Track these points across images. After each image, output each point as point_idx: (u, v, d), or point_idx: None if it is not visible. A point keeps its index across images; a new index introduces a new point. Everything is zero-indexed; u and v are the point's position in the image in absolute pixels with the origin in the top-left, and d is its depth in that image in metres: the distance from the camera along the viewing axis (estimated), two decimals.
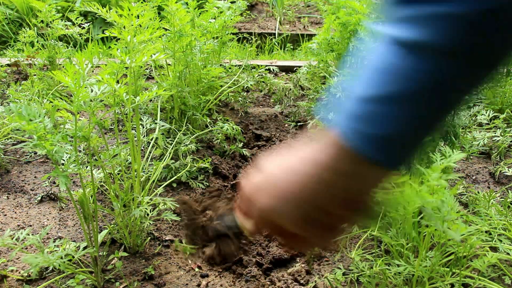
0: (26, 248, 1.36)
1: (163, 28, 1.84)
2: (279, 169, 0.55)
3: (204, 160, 1.76)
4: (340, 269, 1.28)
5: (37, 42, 2.60)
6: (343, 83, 0.54)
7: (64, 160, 1.07)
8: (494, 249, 1.29)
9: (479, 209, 1.36)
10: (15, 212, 1.60)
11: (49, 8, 2.38)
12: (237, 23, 3.61)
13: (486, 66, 0.46)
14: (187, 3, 2.16)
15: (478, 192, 1.51)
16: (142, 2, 1.80)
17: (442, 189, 0.73)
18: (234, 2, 2.38)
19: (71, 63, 1.02)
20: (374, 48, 0.49)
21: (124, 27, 1.26)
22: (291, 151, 0.56)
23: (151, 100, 2.16)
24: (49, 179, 1.80)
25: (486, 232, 1.17)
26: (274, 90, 2.75)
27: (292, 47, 3.79)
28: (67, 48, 2.67)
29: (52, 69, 2.64)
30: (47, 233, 1.49)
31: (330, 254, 1.36)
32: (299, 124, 2.33)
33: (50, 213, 1.60)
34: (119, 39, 1.34)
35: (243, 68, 2.47)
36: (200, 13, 2.20)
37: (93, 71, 1.09)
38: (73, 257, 1.15)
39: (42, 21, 2.44)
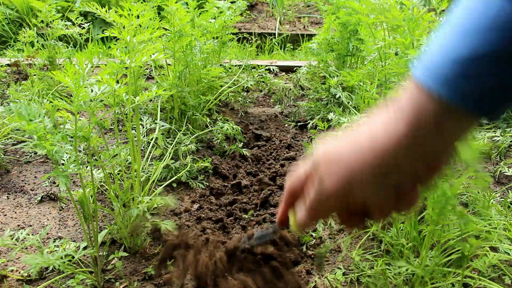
0: (26, 248, 1.36)
1: (163, 28, 1.84)
2: (342, 145, 0.52)
3: (204, 160, 1.76)
4: (340, 269, 1.28)
5: (37, 42, 2.60)
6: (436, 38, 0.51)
7: (64, 160, 1.07)
8: (494, 249, 1.29)
9: (479, 209, 1.36)
10: (15, 212, 1.60)
11: (49, 8, 2.38)
12: (237, 23, 3.61)
13: None
14: (187, 3, 2.16)
15: (478, 192, 1.51)
16: (142, 2, 1.80)
17: None
18: (234, 2, 2.38)
19: (71, 63, 1.02)
20: (467, 2, 0.45)
21: (124, 27, 1.26)
22: (349, 130, 0.52)
23: (151, 100, 2.16)
24: (49, 179, 1.80)
25: (486, 232, 1.17)
26: (274, 90, 2.75)
27: (292, 47, 3.79)
28: (67, 48, 2.67)
29: (52, 69, 2.64)
30: (47, 233, 1.49)
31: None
32: (299, 124, 2.33)
33: (50, 213, 1.60)
34: (119, 39, 1.34)
35: (243, 68, 2.46)
36: (200, 13, 2.20)
37: (93, 71, 1.09)
38: (73, 257, 1.15)
39: (42, 21, 2.44)
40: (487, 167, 1.92)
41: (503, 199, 1.48)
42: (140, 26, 1.57)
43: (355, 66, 2.37)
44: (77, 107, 1.04)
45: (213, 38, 2.25)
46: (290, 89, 2.61)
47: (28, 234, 1.13)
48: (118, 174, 1.49)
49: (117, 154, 1.16)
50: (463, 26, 0.44)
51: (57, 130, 1.03)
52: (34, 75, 2.43)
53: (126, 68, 1.21)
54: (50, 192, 1.69)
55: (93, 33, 3.66)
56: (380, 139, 0.48)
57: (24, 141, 1.87)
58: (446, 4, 1.54)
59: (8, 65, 2.84)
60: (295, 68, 2.82)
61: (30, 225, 1.53)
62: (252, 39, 3.58)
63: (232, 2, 2.41)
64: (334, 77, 2.21)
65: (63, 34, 2.49)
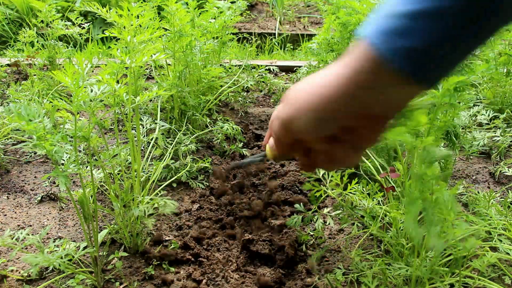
0: (26, 248, 1.36)
1: (163, 28, 1.84)
2: (305, 84, 0.57)
3: (204, 160, 1.76)
4: (340, 269, 1.28)
5: (37, 42, 2.61)
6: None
7: (64, 160, 1.07)
8: (494, 249, 1.29)
9: (479, 209, 1.36)
10: (15, 212, 1.60)
11: (49, 8, 2.38)
12: (237, 23, 3.61)
13: None
14: (187, 3, 2.16)
15: (478, 192, 1.51)
16: (142, 2, 1.80)
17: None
18: (234, 2, 2.38)
19: (71, 63, 1.02)
20: None
21: (124, 27, 1.26)
22: (319, 72, 0.56)
23: (151, 100, 2.16)
24: (49, 179, 1.80)
25: (486, 232, 1.18)
26: (274, 90, 2.75)
27: (292, 47, 3.79)
28: (67, 48, 2.68)
29: (52, 69, 2.64)
30: (47, 233, 1.49)
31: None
32: None
33: (50, 213, 1.60)
34: (119, 39, 1.34)
35: (243, 68, 2.47)
36: (200, 13, 2.20)
37: (93, 71, 1.09)
38: (73, 257, 1.15)
39: (42, 21, 2.45)
40: (487, 167, 1.92)
41: (503, 199, 1.48)
42: (140, 26, 1.57)
43: None
44: (77, 107, 1.04)
45: (213, 38, 2.25)
46: None
47: (28, 234, 1.13)
48: (118, 174, 1.49)
49: (117, 154, 1.16)
50: None
51: (57, 130, 1.03)
52: (34, 75, 2.43)
53: (126, 68, 1.21)
54: (50, 192, 1.69)
55: (93, 33, 3.66)
56: (326, 87, 0.53)
57: (24, 141, 1.87)
58: None
59: (8, 65, 2.85)
60: (295, 68, 2.82)
61: (30, 225, 1.53)
62: (252, 39, 3.58)
63: (232, 2, 2.41)
64: None
65: (63, 34, 2.49)
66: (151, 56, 1.21)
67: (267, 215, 1.57)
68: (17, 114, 0.92)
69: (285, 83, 2.66)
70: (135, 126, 1.40)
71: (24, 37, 2.51)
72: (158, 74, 2.22)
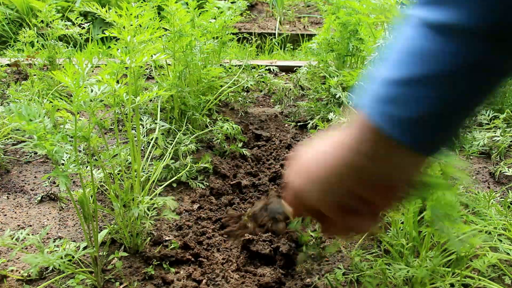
0: (26, 248, 1.36)
1: (163, 28, 1.84)
2: (313, 152, 0.58)
3: (204, 161, 1.76)
4: (340, 269, 1.28)
5: (37, 42, 2.60)
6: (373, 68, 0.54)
7: (64, 160, 1.07)
8: (494, 249, 1.29)
9: (479, 209, 1.36)
10: (15, 212, 1.60)
11: (49, 8, 2.38)
12: (237, 23, 3.61)
13: None
14: (187, 3, 2.16)
15: (478, 192, 1.51)
16: (142, 2, 1.80)
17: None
18: (234, 2, 2.38)
19: (71, 63, 1.02)
20: (403, 31, 0.48)
21: (124, 27, 1.26)
22: (327, 135, 0.56)
23: (151, 100, 2.16)
24: (49, 179, 1.80)
25: (486, 232, 1.17)
26: (274, 90, 2.75)
27: (292, 47, 3.79)
28: (67, 48, 2.67)
29: (52, 69, 2.64)
30: (47, 233, 1.49)
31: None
32: (299, 124, 2.33)
33: (50, 213, 1.60)
34: (119, 39, 1.34)
35: (243, 68, 2.46)
36: (200, 13, 2.20)
37: (93, 71, 1.09)
38: (73, 257, 1.15)
39: (42, 21, 2.44)
40: (487, 167, 1.92)
41: (503, 199, 1.48)
42: (140, 26, 1.57)
43: (355, 66, 2.37)
44: (77, 107, 1.04)
45: (213, 38, 2.25)
46: (290, 89, 2.61)
47: (28, 234, 1.13)
48: (118, 174, 1.49)
49: (117, 154, 1.16)
50: (393, 54, 0.48)
51: (57, 130, 1.03)
52: (34, 75, 2.43)
53: (126, 68, 1.21)
54: (50, 192, 1.69)
55: (93, 33, 3.66)
56: (329, 159, 0.53)
57: (24, 141, 1.87)
58: None
59: (8, 65, 2.84)
60: (295, 68, 2.82)
61: (30, 225, 1.53)
62: (252, 39, 3.57)
63: (232, 2, 2.41)
64: (334, 77, 2.21)
65: (63, 34, 2.49)
66: (151, 56, 1.21)
67: None
68: (18, 114, 0.92)
69: (285, 83, 2.66)
70: (135, 126, 1.40)
71: (24, 37, 2.51)
72: (158, 74, 2.22)
